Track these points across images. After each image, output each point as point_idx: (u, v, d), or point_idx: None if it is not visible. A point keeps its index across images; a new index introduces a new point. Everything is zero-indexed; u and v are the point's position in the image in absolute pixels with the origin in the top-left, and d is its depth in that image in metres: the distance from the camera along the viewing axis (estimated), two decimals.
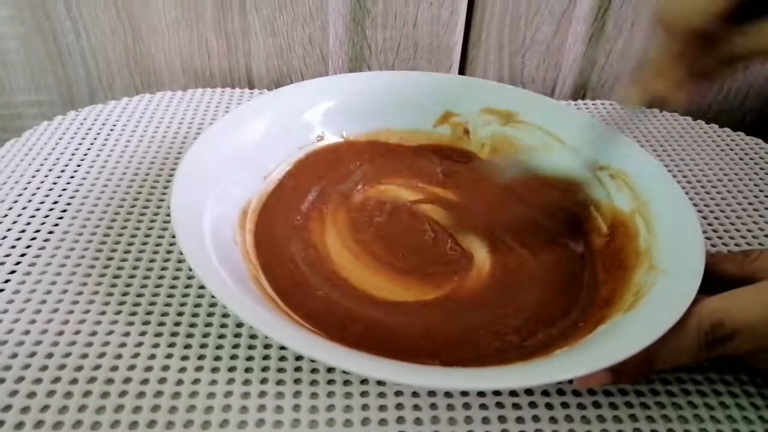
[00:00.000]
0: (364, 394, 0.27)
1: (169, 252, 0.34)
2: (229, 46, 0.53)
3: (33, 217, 0.36)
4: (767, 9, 0.27)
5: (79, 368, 0.27)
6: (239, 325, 0.30)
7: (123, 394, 0.26)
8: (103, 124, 0.45)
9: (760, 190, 0.42)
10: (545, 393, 0.27)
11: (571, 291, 0.32)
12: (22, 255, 0.33)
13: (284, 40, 0.53)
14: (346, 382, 0.27)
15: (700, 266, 0.27)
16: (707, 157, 0.46)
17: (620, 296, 0.30)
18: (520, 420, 0.26)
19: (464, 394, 0.27)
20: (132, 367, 0.27)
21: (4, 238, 0.34)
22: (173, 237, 0.35)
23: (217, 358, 0.28)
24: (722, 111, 0.57)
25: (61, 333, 0.28)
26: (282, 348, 0.29)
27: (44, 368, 0.27)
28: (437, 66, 0.55)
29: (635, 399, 0.27)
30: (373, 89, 0.42)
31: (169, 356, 0.28)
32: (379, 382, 0.27)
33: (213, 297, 0.30)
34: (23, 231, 0.34)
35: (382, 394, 0.27)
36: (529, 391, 0.27)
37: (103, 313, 0.30)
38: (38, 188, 0.38)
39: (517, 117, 0.41)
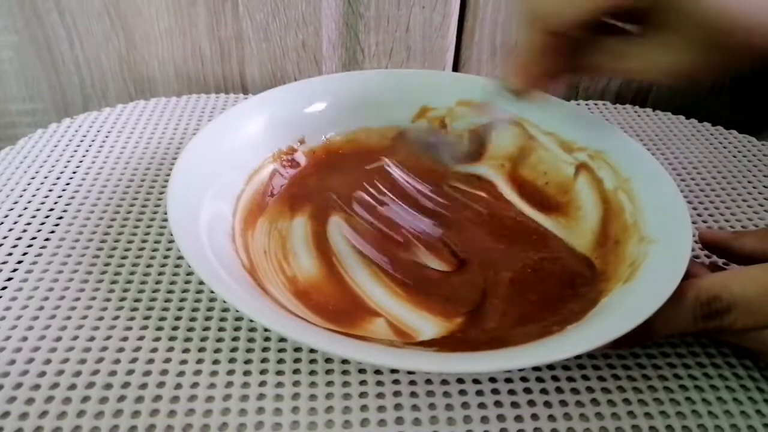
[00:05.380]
0: (362, 383, 0.27)
1: (165, 257, 0.34)
2: (222, 52, 0.53)
3: (29, 224, 0.36)
4: (633, 20, 0.28)
5: (77, 374, 0.27)
6: (238, 318, 0.30)
7: (121, 399, 0.26)
8: (98, 131, 0.45)
9: (754, 187, 0.42)
10: (540, 378, 0.28)
11: (566, 271, 0.33)
12: (19, 262, 0.33)
13: (277, 45, 0.53)
14: (345, 372, 0.28)
15: (688, 232, 0.29)
16: (700, 155, 0.46)
17: (615, 268, 0.31)
18: (531, 403, 0.27)
19: (460, 381, 0.28)
20: (130, 372, 0.27)
21: (0, 245, 0.34)
22: (170, 242, 0.35)
23: (217, 350, 0.28)
24: (714, 109, 0.58)
25: (59, 339, 0.28)
26: (281, 340, 0.29)
27: (42, 374, 0.27)
28: (430, 69, 0.55)
29: (633, 396, 0.27)
30: (349, 90, 0.42)
31: (167, 360, 0.28)
32: (377, 371, 0.28)
33: (212, 292, 0.30)
34: (19, 239, 0.34)
35: (380, 383, 0.27)
36: (524, 378, 0.28)
37: (101, 318, 0.30)
38: (34, 196, 0.38)
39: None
